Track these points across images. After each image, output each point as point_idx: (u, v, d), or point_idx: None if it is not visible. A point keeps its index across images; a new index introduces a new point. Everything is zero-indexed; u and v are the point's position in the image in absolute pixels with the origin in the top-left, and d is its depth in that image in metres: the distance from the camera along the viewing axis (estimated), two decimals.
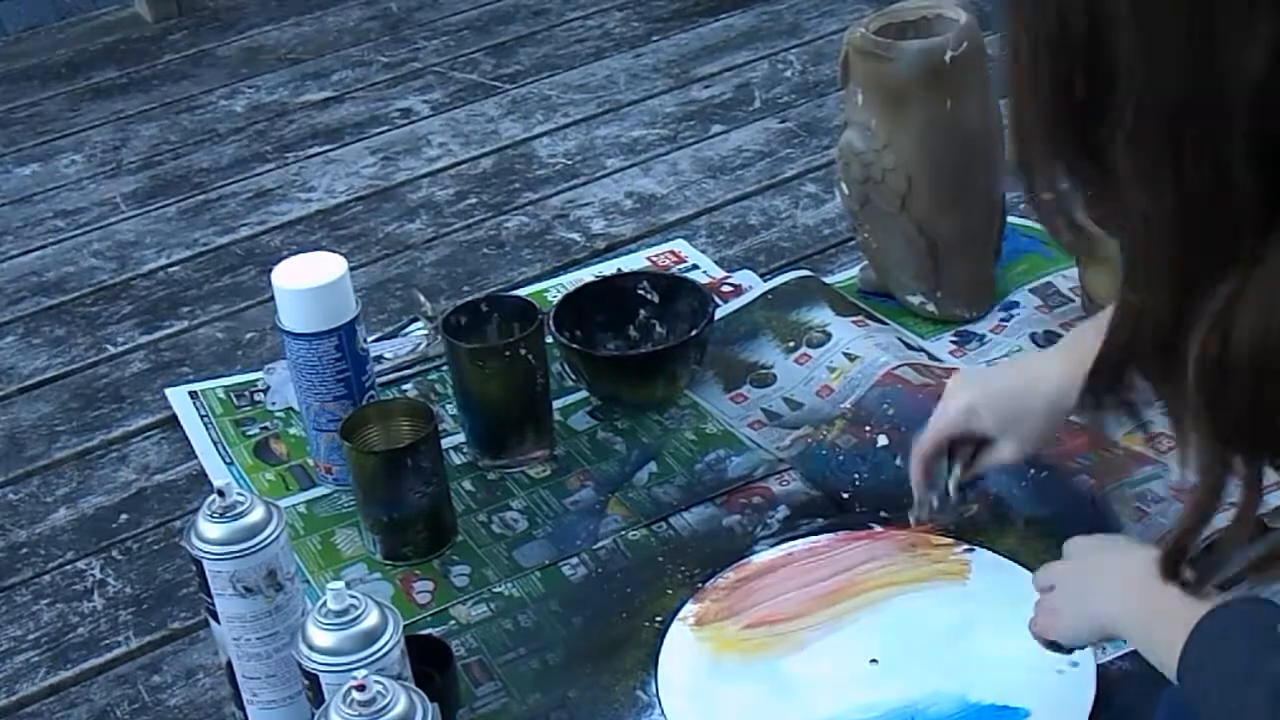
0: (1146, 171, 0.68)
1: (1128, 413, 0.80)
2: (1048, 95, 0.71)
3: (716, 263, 1.68)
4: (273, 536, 1.08)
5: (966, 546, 1.24)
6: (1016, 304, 1.54)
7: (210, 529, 1.08)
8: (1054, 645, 1.04)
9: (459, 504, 1.35)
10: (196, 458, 1.46)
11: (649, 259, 1.70)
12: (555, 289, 1.64)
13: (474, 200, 1.89)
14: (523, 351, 1.34)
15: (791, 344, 1.49)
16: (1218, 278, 0.68)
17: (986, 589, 1.20)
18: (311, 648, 1.03)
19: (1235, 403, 0.70)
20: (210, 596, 1.10)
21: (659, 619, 1.21)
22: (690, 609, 1.22)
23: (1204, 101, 0.66)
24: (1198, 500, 0.78)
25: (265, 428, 1.48)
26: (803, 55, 2.15)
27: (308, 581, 1.27)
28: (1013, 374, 1.22)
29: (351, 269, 1.35)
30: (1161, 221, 0.69)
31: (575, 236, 1.78)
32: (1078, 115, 0.70)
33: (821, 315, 1.51)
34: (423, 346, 1.56)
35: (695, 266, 1.67)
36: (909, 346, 1.47)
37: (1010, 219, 1.57)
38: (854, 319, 1.50)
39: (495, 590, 1.26)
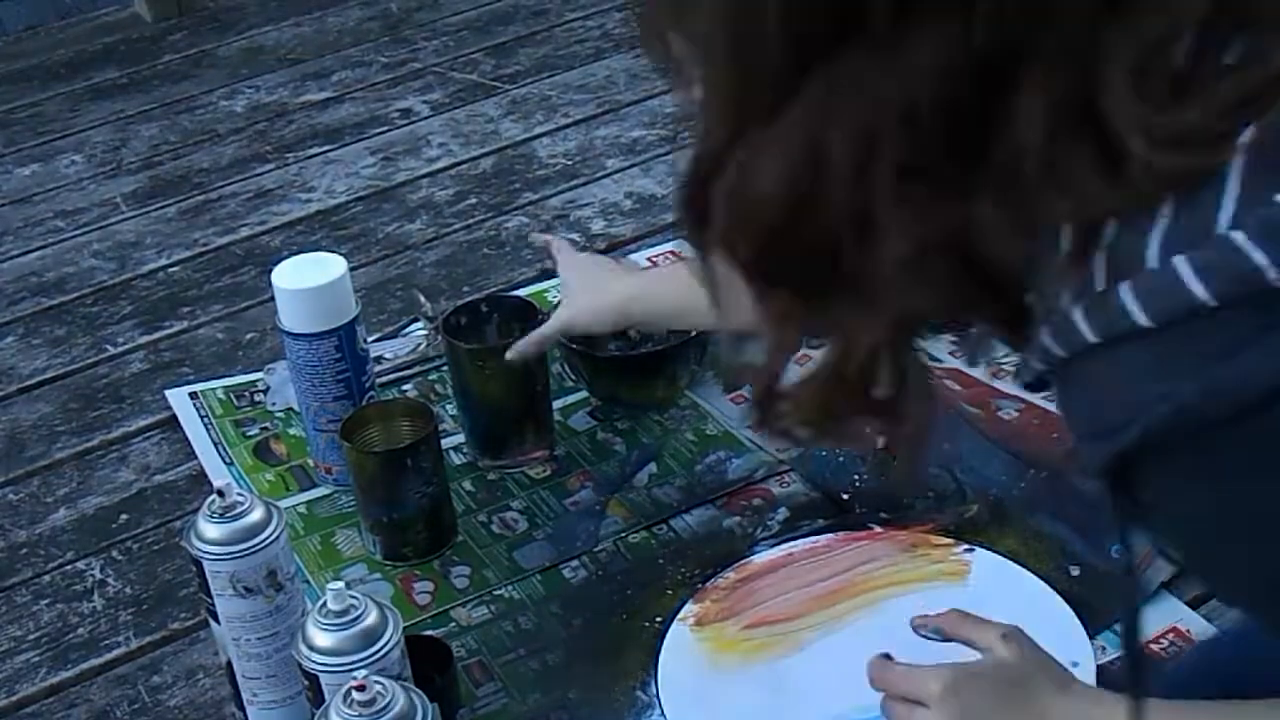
0: None
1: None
2: None
3: None
4: (273, 537, 1.08)
5: (966, 546, 1.24)
6: None
7: (210, 529, 1.08)
8: None
9: (459, 504, 1.35)
10: (196, 458, 1.46)
11: (649, 259, 1.70)
12: (555, 289, 1.64)
13: (474, 200, 1.89)
14: None
15: None
16: (764, 119, 0.66)
17: (986, 589, 1.20)
18: (311, 648, 1.03)
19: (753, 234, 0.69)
20: (210, 597, 1.10)
21: (659, 619, 1.21)
22: (690, 609, 1.22)
23: None
24: (772, 343, 0.76)
25: (265, 428, 1.48)
26: None
27: (308, 581, 1.27)
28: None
29: (351, 269, 1.35)
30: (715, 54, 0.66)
31: (575, 237, 1.78)
32: None
33: None
34: (423, 346, 1.56)
35: None
36: None
37: None
38: None
39: (495, 593, 1.26)
